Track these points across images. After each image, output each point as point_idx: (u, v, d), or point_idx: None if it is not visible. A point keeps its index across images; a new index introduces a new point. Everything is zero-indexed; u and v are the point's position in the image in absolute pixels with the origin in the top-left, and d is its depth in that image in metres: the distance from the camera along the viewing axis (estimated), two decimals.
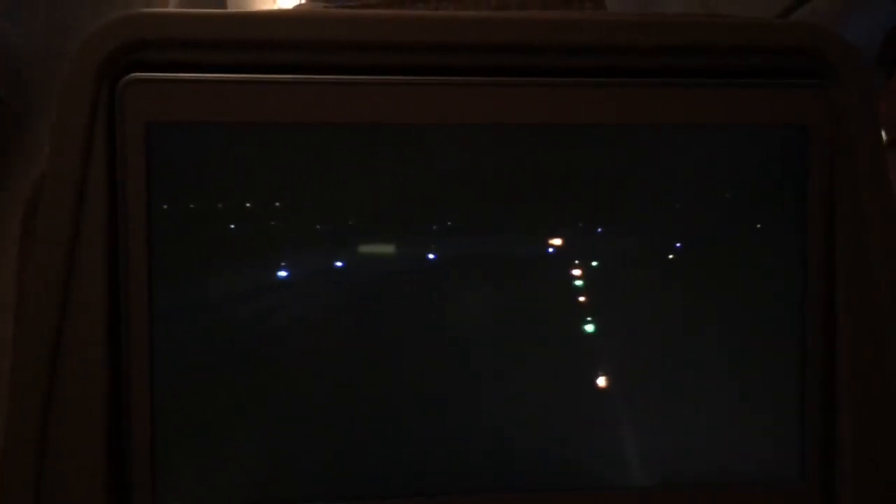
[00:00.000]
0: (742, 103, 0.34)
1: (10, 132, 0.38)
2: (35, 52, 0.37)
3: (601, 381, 0.34)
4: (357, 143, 0.33)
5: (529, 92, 0.33)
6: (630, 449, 0.34)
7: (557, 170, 0.34)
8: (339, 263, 0.33)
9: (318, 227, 0.33)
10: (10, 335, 0.34)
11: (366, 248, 0.33)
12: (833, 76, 0.34)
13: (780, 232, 0.34)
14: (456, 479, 0.33)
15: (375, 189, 0.33)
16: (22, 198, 0.37)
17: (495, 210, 0.33)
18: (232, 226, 0.32)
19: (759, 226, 0.34)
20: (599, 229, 0.34)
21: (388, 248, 0.33)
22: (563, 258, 0.33)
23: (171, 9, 0.33)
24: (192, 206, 0.32)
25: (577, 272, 0.33)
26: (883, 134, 0.36)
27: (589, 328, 0.34)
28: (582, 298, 0.33)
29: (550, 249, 0.33)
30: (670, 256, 0.34)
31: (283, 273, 0.32)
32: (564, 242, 0.33)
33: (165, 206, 0.32)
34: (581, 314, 0.33)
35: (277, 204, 0.32)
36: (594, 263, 0.33)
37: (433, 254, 0.33)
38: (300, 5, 0.67)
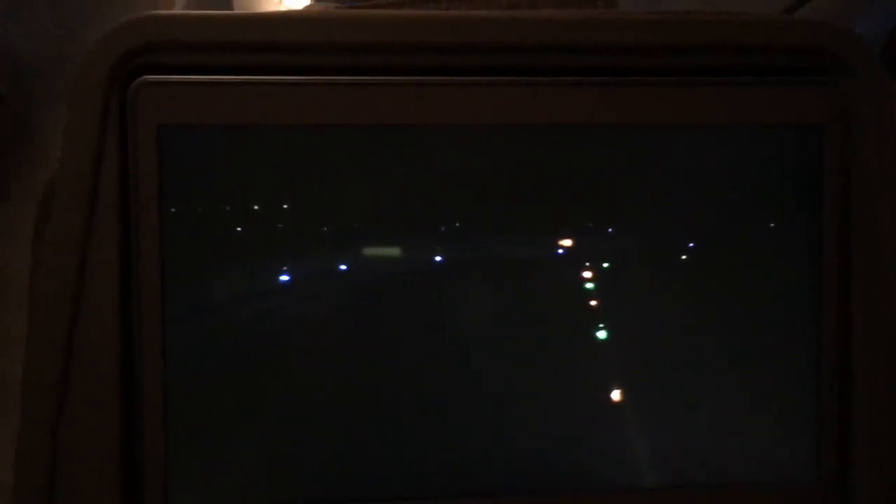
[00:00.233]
0: (755, 102, 0.33)
1: (9, 131, 0.38)
2: (36, 51, 0.37)
3: (616, 383, 0.34)
4: (370, 144, 0.33)
5: (542, 92, 0.33)
6: (646, 450, 0.34)
7: (571, 170, 0.33)
8: (352, 265, 0.33)
9: (330, 228, 0.33)
10: (23, 335, 0.34)
11: (381, 250, 0.33)
12: (847, 74, 0.34)
13: (795, 232, 0.34)
14: (466, 481, 0.33)
15: (389, 190, 0.33)
16: (28, 197, 0.37)
17: (516, 211, 0.33)
18: (244, 227, 0.32)
19: (774, 226, 0.34)
20: (611, 230, 0.33)
21: (401, 250, 0.33)
22: (577, 260, 0.33)
23: (181, 11, 0.33)
24: (203, 207, 0.32)
25: (589, 274, 0.33)
26: None
27: (604, 330, 0.33)
28: (597, 300, 0.33)
29: (564, 251, 0.33)
30: (684, 257, 0.34)
31: (294, 274, 0.32)
32: (579, 244, 0.33)
33: (177, 208, 0.32)
34: (596, 316, 0.33)
35: (289, 205, 0.32)
36: (606, 265, 0.33)
37: (447, 255, 0.33)
38: (309, 6, 0.67)
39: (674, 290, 0.34)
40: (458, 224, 0.33)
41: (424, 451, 0.33)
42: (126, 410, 0.31)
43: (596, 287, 0.33)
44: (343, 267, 0.33)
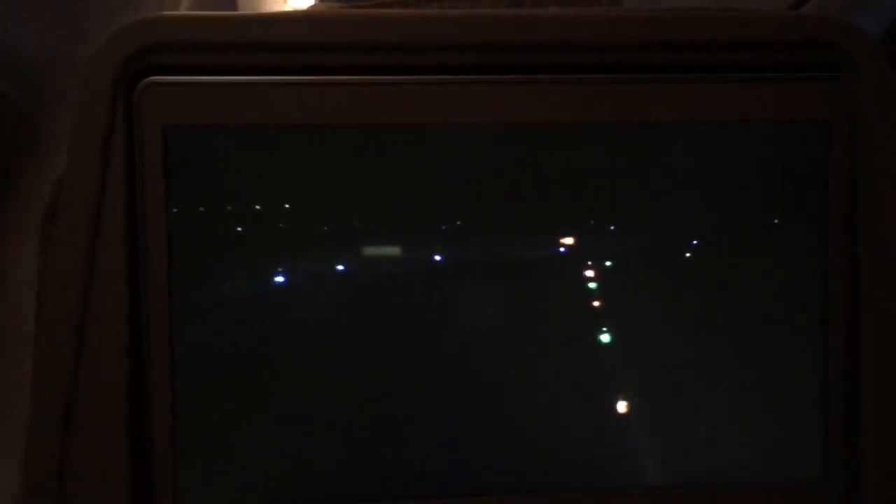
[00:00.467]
0: (761, 99, 0.33)
1: (16, 131, 0.38)
2: (42, 52, 0.37)
3: (619, 383, 0.33)
4: (377, 144, 0.33)
5: (546, 90, 0.33)
6: (653, 449, 0.34)
7: (577, 169, 0.33)
8: (359, 265, 0.33)
9: (336, 228, 0.33)
10: (30, 334, 0.35)
11: (388, 250, 0.33)
12: (853, 70, 0.33)
13: (802, 229, 0.34)
14: (468, 480, 0.33)
15: (396, 189, 0.33)
16: (35, 197, 0.38)
17: (526, 210, 0.33)
18: (251, 227, 0.32)
19: (779, 224, 0.34)
20: (616, 230, 0.33)
21: (408, 249, 0.33)
22: (581, 259, 0.33)
23: (186, 12, 0.33)
24: (210, 207, 0.32)
25: (592, 273, 0.33)
26: None
27: (608, 329, 0.33)
28: (601, 299, 0.33)
29: (569, 250, 0.33)
30: (690, 256, 0.34)
31: (301, 274, 0.32)
32: (586, 243, 0.33)
33: (184, 208, 0.32)
34: (599, 316, 0.33)
35: (296, 205, 0.32)
36: (610, 264, 0.33)
37: (454, 255, 0.33)
38: (314, 6, 0.67)
39: (677, 288, 0.34)
40: (470, 224, 0.33)
41: (428, 450, 0.33)
42: (135, 411, 0.31)
43: (600, 286, 0.33)
44: (351, 267, 0.33)
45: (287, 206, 0.32)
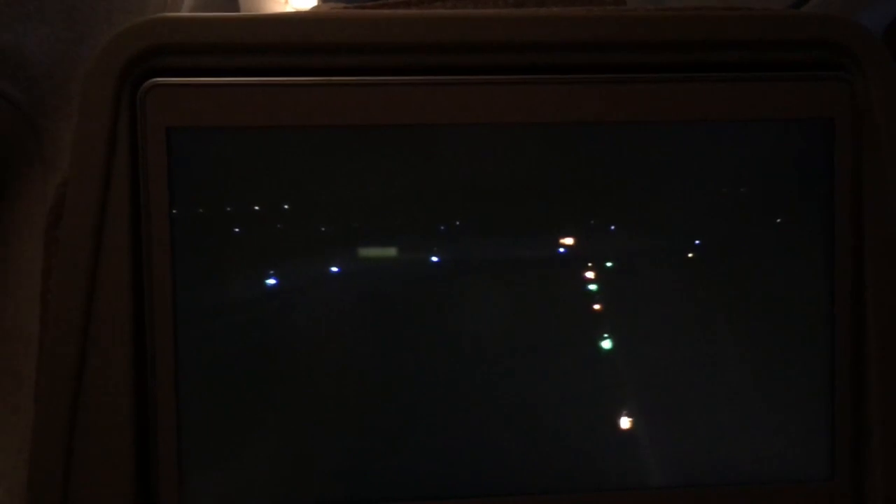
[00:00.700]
0: (765, 97, 0.33)
1: (20, 134, 0.38)
2: (46, 54, 0.38)
3: (626, 383, 0.33)
4: (382, 145, 0.33)
5: (551, 90, 0.33)
6: (661, 449, 0.34)
7: (583, 169, 0.33)
8: (364, 266, 0.33)
9: (341, 229, 0.33)
10: (35, 335, 0.35)
11: (394, 251, 0.33)
12: (857, 68, 0.33)
13: (806, 227, 0.34)
14: (472, 481, 0.33)
15: (402, 191, 0.33)
16: (39, 199, 0.38)
17: (535, 210, 0.33)
18: (254, 228, 0.32)
19: (786, 222, 0.34)
20: (623, 229, 0.33)
21: (415, 251, 0.33)
22: (586, 259, 0.33)
23: (189, 14, 0.33)
24: (214, 209, 0.32)
25: (597, 273, 0.33)
26: None
27: (613, 330, 0.33)
28: (606, 299, 0.33)
29: (576, 251, 0.33)
30: (696, 254, 0.34)
31: (305, 275, 0.32)
32: (592, 243, 0.33)
33: (187, 210, 0.32)
34: (604, 316, 0.33)
35: (300, 206, 0.32)
36: (615, 264, 0.33)
37: (462, 256, 0.33)
38: (317, 6, 0.67)
39: (683, 287, 0.34)
40: (476, 225, 0.33)
41: (431, 452, 0.33)
42: (139, 410, 0.32)
43: (604, 287, 0.33)
44: (355, 269, 0.33)
45: (291, 207, 0.32)
